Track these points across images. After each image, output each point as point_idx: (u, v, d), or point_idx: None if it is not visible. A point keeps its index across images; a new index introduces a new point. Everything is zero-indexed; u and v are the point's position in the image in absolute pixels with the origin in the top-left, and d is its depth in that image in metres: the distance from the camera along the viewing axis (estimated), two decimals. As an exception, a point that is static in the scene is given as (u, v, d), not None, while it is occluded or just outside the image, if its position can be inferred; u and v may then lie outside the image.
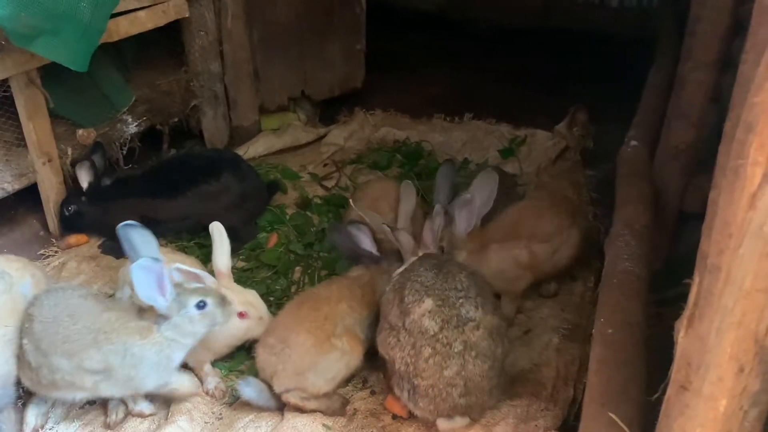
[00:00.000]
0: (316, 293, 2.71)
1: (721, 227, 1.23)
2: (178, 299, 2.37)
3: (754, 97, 1.10)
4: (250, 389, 2.50)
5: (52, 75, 3.26)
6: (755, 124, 1.11)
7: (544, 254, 2.93)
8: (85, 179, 3.42)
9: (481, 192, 2.88)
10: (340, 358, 2.52)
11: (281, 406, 2.54)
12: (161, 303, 2.35)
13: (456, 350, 2.28)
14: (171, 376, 2.48)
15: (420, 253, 2.61)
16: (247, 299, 2.72)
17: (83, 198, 3.45)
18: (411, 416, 2.51)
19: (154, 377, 2.42)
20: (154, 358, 2.38)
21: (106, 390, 2.42)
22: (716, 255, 1.25)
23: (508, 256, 2.90)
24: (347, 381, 2.65)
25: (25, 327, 2.41)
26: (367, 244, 2.79)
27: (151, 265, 2.29)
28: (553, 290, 3.09)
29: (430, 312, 2.31)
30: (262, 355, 2.54)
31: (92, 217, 3.46)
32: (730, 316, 1.26)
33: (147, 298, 2.33)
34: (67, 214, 3.47)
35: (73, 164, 3.49)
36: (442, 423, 2.40)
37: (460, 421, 2.38)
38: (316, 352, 2.48)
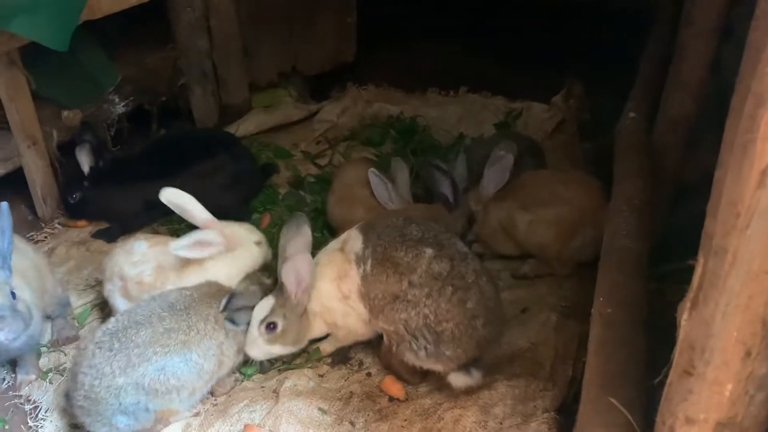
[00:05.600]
0: None
1: (728, 207, 1.16)
2: None
3: (766, 66, 1.03)
4: None
5: (34, 55, 3.16)
6: (767, 96, 1.04)
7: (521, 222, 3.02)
8: (85, 163, 3.34)
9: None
10: None
11: None
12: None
13: (470, 280, 2.33)
14: None
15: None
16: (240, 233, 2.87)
17: (85, 183, 3.37)
18: (407, 398, 2.48)
19: None
20: None
21: None
22: (722, 236, 1.19)
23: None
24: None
25: None
26: (446, 189, 3.04)
27: None
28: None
29: (435, 258, 2.33)
30: None
31: (97, 203, 3.42)
32: (736, 299, 1.21)
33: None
34: (72, 201, 3.41)
35: (60, 147, 3.42)
36: (454, 377, 2.34)
37: (475, 376, 2.34)
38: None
